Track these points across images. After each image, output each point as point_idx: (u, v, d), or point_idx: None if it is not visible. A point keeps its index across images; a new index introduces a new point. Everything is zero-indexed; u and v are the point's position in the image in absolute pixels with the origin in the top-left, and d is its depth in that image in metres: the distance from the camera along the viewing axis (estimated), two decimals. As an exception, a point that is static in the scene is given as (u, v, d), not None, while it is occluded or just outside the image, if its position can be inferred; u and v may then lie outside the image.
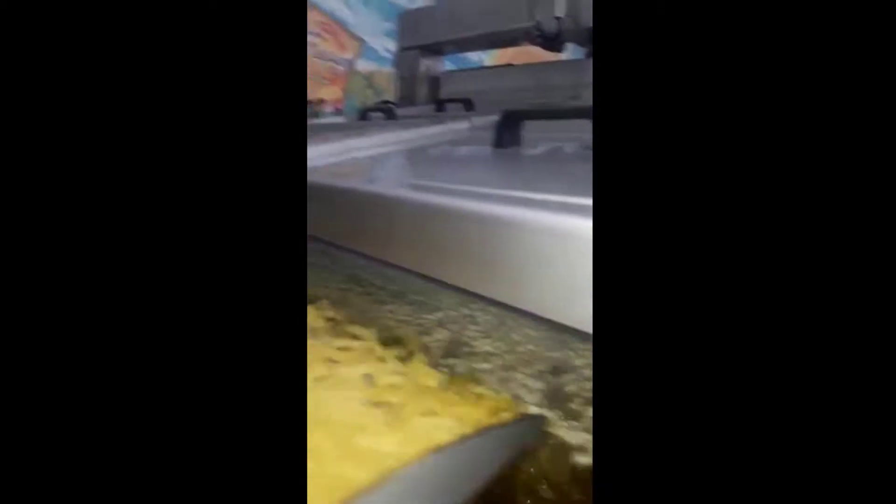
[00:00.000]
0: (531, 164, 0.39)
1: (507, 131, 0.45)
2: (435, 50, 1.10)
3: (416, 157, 0.48)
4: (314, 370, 0.28)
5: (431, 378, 0.28)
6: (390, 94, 1.22)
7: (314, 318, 0.37)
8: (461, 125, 0.67)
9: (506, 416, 0.25)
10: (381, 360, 0.30)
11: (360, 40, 1.44)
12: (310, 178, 0.34)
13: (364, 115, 0.85)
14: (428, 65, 1.12)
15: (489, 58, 1.47)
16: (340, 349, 0.31)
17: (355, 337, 0.32)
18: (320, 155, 0.49)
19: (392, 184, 0.32)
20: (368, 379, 0.28)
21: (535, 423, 0.24)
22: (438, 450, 0.21)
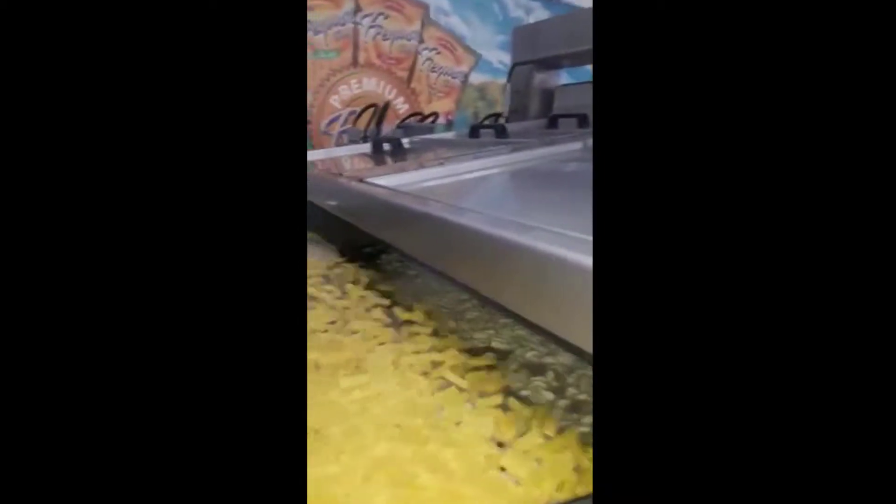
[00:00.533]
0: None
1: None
2: (549, 64, 1.08)
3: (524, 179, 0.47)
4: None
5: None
6: (501, 106, 1.22)
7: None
8: (574, 146, 0.65)
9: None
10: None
11: (476, 54, 1.46)
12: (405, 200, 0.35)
13: (475, 131, 0.86)
14: (542, 78, 1.11)
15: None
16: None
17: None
18: (425, 178, 0.50)
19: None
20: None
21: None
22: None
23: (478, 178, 0.51)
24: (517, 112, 1.11)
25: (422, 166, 0.54)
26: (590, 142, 0.64)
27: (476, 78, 1.46)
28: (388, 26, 1.38)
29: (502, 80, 1.31)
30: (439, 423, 0.30)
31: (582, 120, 0.89)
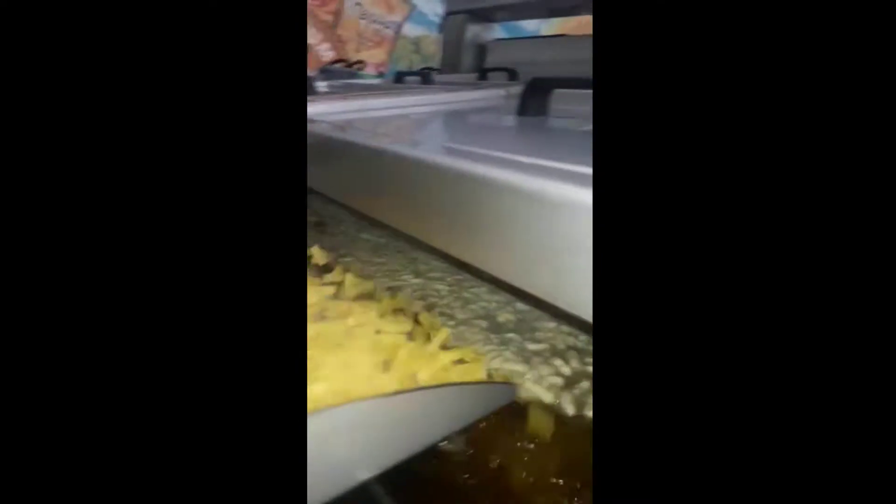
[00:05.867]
0: (545, 133, 0.35)
1: (533, 99, 0.41)
2: (483, 16, 1.06)
3: (436, 119, 0.45)
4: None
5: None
6: (438, 61, 1.19)
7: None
8: (497, 92, 0.63)
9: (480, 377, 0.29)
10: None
11: (411, 4, 1.40)
12: (324, 130, 0.32)
13: (399, 77, 0.83)
14: (476, 31, 1.08)
15: (547, 28, 1.41)
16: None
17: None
18: (347, 110, 0.47)
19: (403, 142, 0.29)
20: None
21: (509, 389, 0.28)
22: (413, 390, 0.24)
23: (396, 115, 0.49)
24: (449, 65, 1.09)
25: (330, 100, 0.50)
26: (513, 90, 0.63)
27: (412, 31, 1.41)
28: (314, -35, 1.29)
29: (438, 34, 1.26)
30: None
31: (512, 74, 0.87)
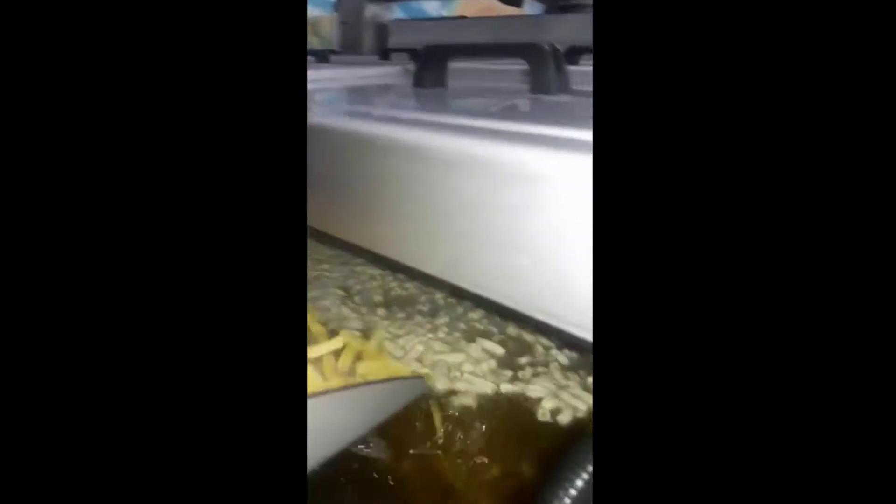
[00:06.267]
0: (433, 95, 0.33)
1: (430, 70, 0.39)
2: (382, -6, 1.02)
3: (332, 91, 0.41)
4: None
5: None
6: (336, 44, 1.14)
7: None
8: (395, 68, 0.61)
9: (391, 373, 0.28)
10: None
11: (305, -19, 1.33)
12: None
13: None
14: (375, 11, 1.04)
15: (447, 10, 1.39)
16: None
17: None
18: None
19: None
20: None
21: (418, 384, 0.26)
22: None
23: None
24: (349, 47, 1.05)
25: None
26: (410, 66, 0.60)
27: (307, 11, 1.34)
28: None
29: (335, 14, 1.21)
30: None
31: (414, 54, 0.85)
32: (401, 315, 0.32)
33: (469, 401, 0.26)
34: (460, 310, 0.32)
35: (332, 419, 0.23)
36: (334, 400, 0.23)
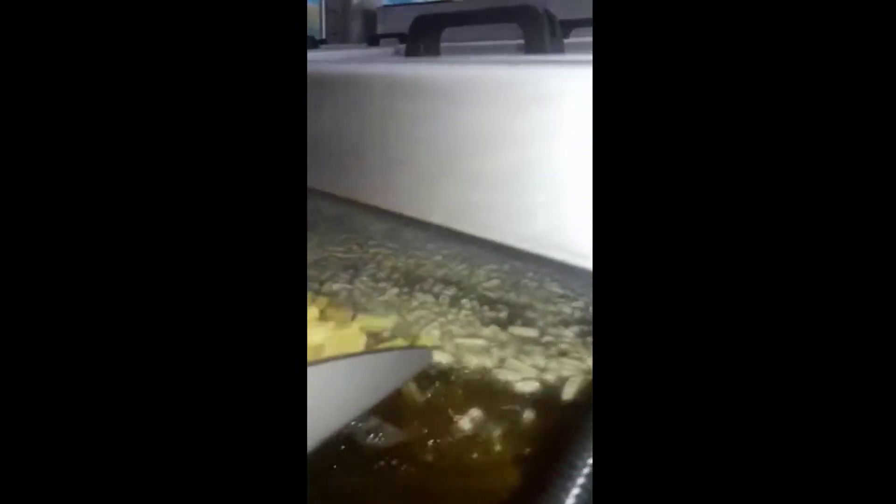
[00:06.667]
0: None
1: (423, 39, 0.37)
2: (369, -20, 1.01)
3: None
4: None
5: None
6: (324, 33, 1.12)
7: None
8: (386, 50, 0.60)
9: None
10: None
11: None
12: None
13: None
14: (361, -1, 1.03)
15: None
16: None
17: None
18: None
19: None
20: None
21: (424, 354, 0.26)
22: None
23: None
24: (337, 35, 1.03)
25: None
26: (401, 48, 0.59)
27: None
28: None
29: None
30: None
31: (403, 38, 0.84)
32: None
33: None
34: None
35: (333, 392, 0.21)
36: (335, 370, 0.21)
